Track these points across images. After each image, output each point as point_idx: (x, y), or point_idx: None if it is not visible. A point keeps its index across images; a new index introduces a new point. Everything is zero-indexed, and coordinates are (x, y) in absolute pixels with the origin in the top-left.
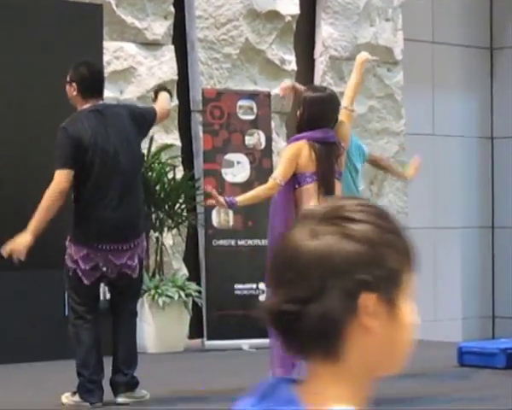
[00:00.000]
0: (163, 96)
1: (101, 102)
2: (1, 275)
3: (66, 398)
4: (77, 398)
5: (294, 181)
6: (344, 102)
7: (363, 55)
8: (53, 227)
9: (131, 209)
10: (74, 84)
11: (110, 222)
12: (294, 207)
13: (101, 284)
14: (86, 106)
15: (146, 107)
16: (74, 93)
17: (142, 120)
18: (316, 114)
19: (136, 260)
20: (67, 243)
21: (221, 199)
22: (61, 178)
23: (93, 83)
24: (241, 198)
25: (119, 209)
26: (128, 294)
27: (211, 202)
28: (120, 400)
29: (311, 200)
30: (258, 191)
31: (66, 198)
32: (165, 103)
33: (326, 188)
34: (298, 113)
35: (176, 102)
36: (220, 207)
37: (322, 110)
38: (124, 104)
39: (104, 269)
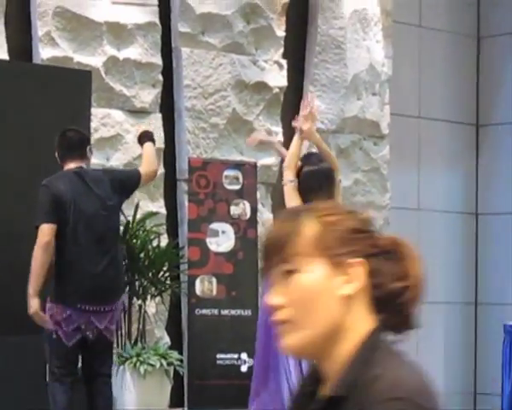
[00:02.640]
0: (148, 150)
1: (83, 165)
2: None
3: None
4: None
5: None
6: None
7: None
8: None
9: (112, 272)
10: (56, 150)
11: (92, 283)
12: None
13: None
14: (67, 167)
15: (130, 170)
16: (57, 158)
17: (123, 186)
18: (310, 188)
19: (114, 324)
20: (48, 304)
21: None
22: (44, 232)
23: (69, 145)
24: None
25: (99, 271)
26: (104, 358)
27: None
28: None
29: None
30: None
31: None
32: (151, 162)
33: None
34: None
35: (162, 170)
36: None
37: (316, 185)
38: (106, 169)
39: (85, 331)
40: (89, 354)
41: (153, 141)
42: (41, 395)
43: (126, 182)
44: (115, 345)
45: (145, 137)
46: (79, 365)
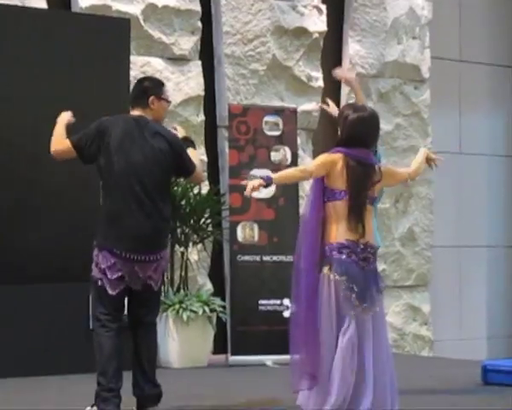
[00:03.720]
0: (193, 155)
1: (145, 115)
2: (26, 288)
3: None
4: (95, 408)
5: (324, 195)
6: (405, 174)
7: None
8: (75, 242)
9: (157, 223)
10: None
11: (137, 232)
12: (322, 222)
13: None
14: (133, 112)
15: (188, 158)
16: None
17: (179, 160)
18: (356, 135)
19: (159, 272)
20: (94, 251)
21: (255, 182)
22: (64, 142)
23: (132, 94)
24: (276, 175)
25: (145, 221)
26: (150, 307)
27: (248, 191)
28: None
29: (339, 217)
30: (291, 170)
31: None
32: (199, 168)
33: (355, 209)
34: (338, 131)
35: (202, 117)
36: (256, 189)
37: (363, 131)
38: (172, 133)
39: (129, 280)
40: (134, 302)
41: (193, 146)
42: (83, 342)
43: (183, 163)
44: None
45: (187, 143)
46: (125, 312)
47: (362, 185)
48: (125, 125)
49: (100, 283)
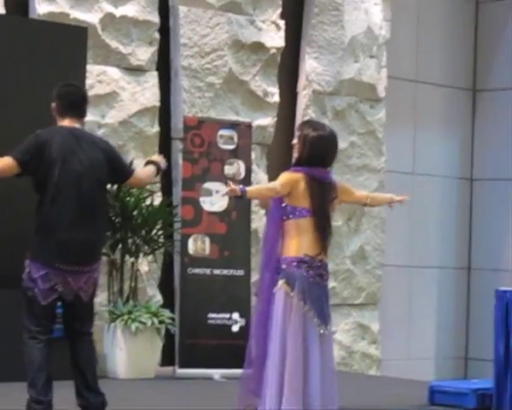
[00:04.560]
0: (150, 168)
1: (79, 125)
2: None
3: None
4: None
5: (284, 213)
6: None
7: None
8: (12, 248)
9: (93, 232)
10: (55, 101)
11: (71, 243)
12: (281, 239)
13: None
14: (64, 123)
15: (126, 162)
16: (54, 111)
17: (116, 164)
18: (316, 154)
19: (90, 284)
20: (27, 261)
21: (235, 187)
22: (4, 160)
23: (71, 102)
24: (249, 189)
25: (80, 230)
26: (84, 318)
27: (226, 190)
28: None
29: (301, 234)
30: (260, 187)
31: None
32: (147, 175)
33: (321, 226)
34: (296, 148)
35: (157, 128)
36: (234, 193)
37: (323, 150)
38: (105, 140)
39: (61, 290)
40: (68, 313)
41: (158, 172)
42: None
43: (118, 168)
44: (106, 302)
45: (153, 164)
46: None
47: (324, 203)
48: (63, 138)
49: (31, 293)
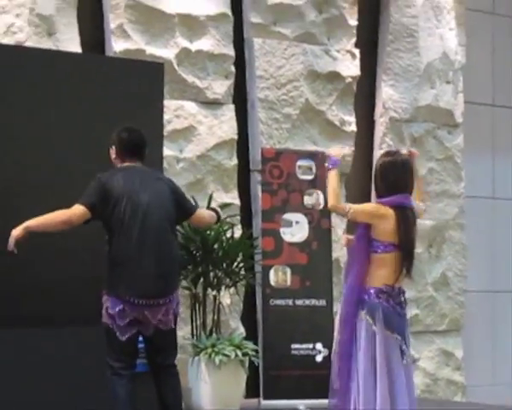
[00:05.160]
0: (210, 212)
1: (138, 164)
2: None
3: None
4: None
5: (370, 246)
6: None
7: None
8: (90, 284)
9: (166, 265)
10: (114, 147)
11: (145, 278)
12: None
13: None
14: (124, 165)
15: (189, 200)
16: (113, 156)
17: (180, 199)
18: (392, 179)
19: (171, 315)
20: (104, 296)
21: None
22: (75, 210)
23: (131, 145)
24: (334, 179)
25: (153, 265)
26: (166, 350)
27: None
28: None
29: (384, 266)
30: (338, 192)
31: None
32: (209, 216)
33: (407, 259)
34: (375, 181)
35: (235, 161)
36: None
37: (398, 175)
38: (168, 177)
39: (139, 325)
40: (150, 348)
41: (218, 219)
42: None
43: (183, 202)
44: (189, 336)
45: (213, 211)
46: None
47: (410, 237)
48: (126, 174)
49: (110, 328)
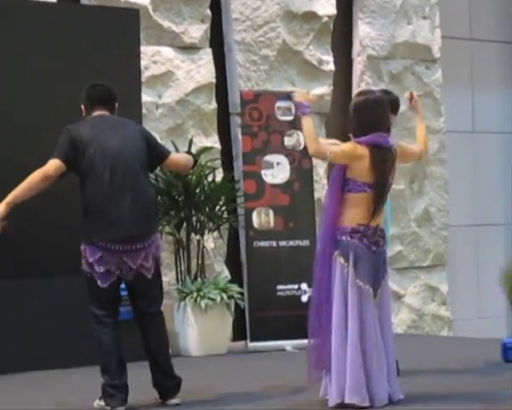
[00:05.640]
0: (186, 155)
1: (107, 114)
2: (36, 282)
3: (96, 403)
4: (102, 402)
5: (345, 185)
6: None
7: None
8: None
9: (141, 208)
10: (83, 103)
11: (120, 222)
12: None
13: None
14: (93, 115)
15: (162, 145)
16: (84, 112)
17: (152, 143)
18: (366, 118)
19: (151, 260)
20: (82, 246)
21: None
22: (50, 165)
23: (96, 97)
24: (308, 125)
25: (127, 208)
26: (150, 297)
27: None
28: (174, 401)
29: (358, 205)
30: (316, 138)
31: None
32: (185, 159)
33: (379, 199)
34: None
35: (214, 104)
36: (299, 99)
37: (372, 114)
38: (137, 123)
39: (119, 272)
40: (133, 294)
41: (195, 163)
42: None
43: (155, 146)
44: (174, 281)
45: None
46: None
47: (385, 178)
48: (94, 122)
49: (90, 276)
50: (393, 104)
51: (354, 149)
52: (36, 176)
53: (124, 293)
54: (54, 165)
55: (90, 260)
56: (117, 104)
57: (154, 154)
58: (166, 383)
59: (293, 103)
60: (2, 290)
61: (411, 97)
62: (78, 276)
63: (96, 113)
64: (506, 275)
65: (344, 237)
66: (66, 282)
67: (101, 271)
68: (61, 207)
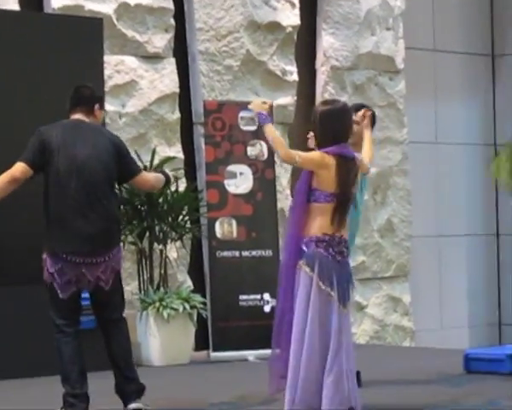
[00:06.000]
0: (158, 175)
1: (87, 120)
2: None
3: None
4: None
5: (310, 196)
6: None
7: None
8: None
9: (104, 222)
10: (68, 104)
11: (81, 234)
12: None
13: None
14: (70, 118)
15: (135, 161)
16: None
17: (123, 158)
18: (329, 128)
19: (109, 272)
20: (43, 255)
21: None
22: (16, 168)
23: (75, 99)
24: (270, 130)
25: (90, 222)
26: (110, 306)
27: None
28: (134, 406)
29: (323, 215)
30: (282, 142)
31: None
32: (155, 179)
33: (342, 209)
34: (312, 130)
35: (178, 114)
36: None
37: (337, 123)
38: (115, 135)
39: (78, 283)
40: (94, 303)
41: (167, 181)
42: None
43: (126, 161)
44: (137, 291)
45: (162, 173)
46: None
47: (349, 188)
48: (64, 128)
49: (50, 286)
50: (373, 118)
51: (322, 158)
52: (3, 178)
53: (86, 302)
54: (20, 168)
55: (51, 270)
56: (97, 106)
57: (124, 170)
58: (127, 387)
59: (256, 115)
60: None
61: (363, 117)
62: (38, 285)
63: (75, 116)
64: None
65: (309, 247)
66: (26, 291)
67: (62, 281)
68: (23, 214)
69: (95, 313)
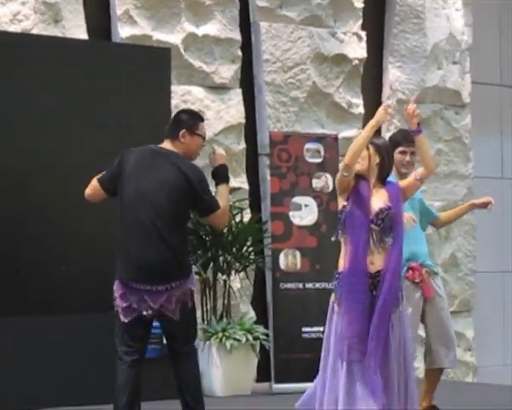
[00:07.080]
0: (223, 193)
1: (169, 147)
2: (59, 319)
3: None
4: None
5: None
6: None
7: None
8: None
9: (163, 252)
10: None
11: (141, 262)
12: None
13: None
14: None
15: (213, 196)
16: None
17: (196, 193)
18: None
19: (174, 302)
20: (115, 281)
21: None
22: (90, 184)
23: (169, 125)
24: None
25: (149, 251)
26: (179, 338)
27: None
28: None
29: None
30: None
31: None
32: (223, 209)
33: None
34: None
35: (243, 145)
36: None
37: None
38: (192, 165)
39: (139, 309)
40: (165, 334)
41: (227, 181)
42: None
43: (198, 196)
44: (200, 321)
45: (220, 176)
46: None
47: None
48: (140, 155)
49: (116, 312)
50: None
51: None
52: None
53: (153, 331)
54: (92, 184)
55: (116, 294)
56: (182, 132)
57: (197, 208)
58: None
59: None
60: (27, 326)
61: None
62: (96, 313)
63: (163, 142)
64: None
65: (339, 281)
66: (83, 319)
67: (123, 305)
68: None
69: (167, 344)
